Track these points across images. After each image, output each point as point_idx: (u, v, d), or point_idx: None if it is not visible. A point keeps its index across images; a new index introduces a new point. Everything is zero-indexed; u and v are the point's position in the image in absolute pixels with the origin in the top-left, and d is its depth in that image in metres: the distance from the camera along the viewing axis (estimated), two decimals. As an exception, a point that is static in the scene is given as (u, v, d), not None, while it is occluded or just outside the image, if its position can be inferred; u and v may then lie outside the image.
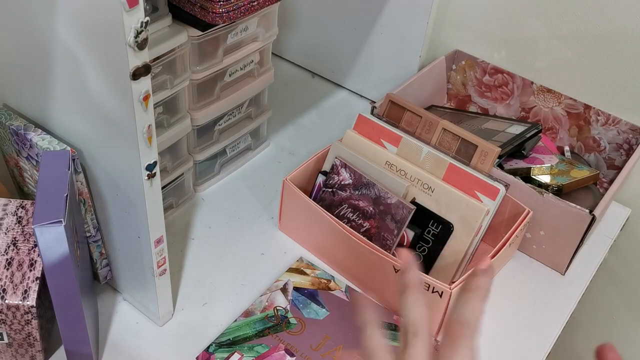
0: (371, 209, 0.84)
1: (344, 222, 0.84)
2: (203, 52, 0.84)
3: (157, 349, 0.76)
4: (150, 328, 0.79)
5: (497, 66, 1.10)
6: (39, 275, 0.67)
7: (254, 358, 0.75)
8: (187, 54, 0.81)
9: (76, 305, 0.65)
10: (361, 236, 0.80)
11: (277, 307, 0.81)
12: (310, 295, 0.83)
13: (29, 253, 0.68)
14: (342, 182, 0.87)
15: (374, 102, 0.96)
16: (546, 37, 1.04)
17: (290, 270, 0.87)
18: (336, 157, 0.88)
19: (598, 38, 0.99)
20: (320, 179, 0.90)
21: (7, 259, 0.67)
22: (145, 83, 0.56)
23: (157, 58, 0.77)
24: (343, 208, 0.87)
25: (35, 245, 0.68)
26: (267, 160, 1.06)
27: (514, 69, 1.09)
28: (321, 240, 0.87)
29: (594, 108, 1.01)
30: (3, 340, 0.68)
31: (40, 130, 0.71)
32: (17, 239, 0.69)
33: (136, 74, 0.54)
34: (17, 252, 0.68)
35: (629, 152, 0.99)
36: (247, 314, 0.80)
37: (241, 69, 0.93)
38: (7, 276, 0.66)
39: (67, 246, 0.59)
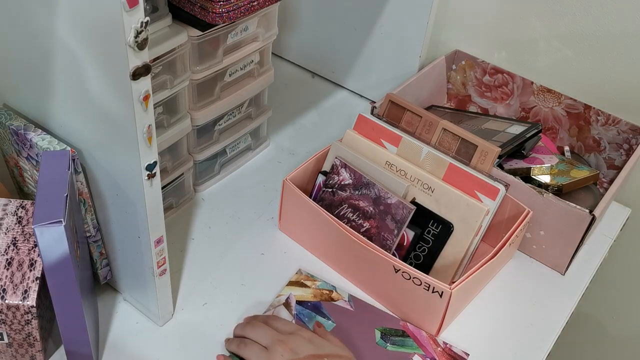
0: (371, 209, 0.84)
1: (344, 222, 0.84)
2: (203, 52, 0.84)
3: (157, 349, 0.76)
4: (150, 328, 0.79)
5: (497, 66, 1.10)
6: (39, 275, 0.67)
7: None
8: (187, 54, 0.81)
9: (76, 305, 0.65)
10: (361, 236, 0.80)
11: None
12: (314, 307, 0.82)
13: (29, 253, 0.68)
14: (342, 182, 0.87)
15: (374, 102, 0.96)
16: (546, 37, 1.04)
17: (291, 283, 0.85)
18: (336, 157, 0.88)
19: (598, 38, 0.99)
20: (320, 179, 0.90)
21: (7, 259, 0.67)
22: (145, 83, 0.56)
23: (157, 58, 0.77)
24: (343, 208, 0.87)
25: (35, 245, 0.68)
26: (267, 160, 1.06)
27: (514, 69, 1.09)
28: (321, 241, 0.87)
29: (594, 108, 1.01)
30: (3, 340, 0.68)
31: (40, 130, 0.71)
32: (17, 239, 0.69)
33: (136, 74, 0.54)
34: (17, 252, 0.68)
35: (629, 152, 0.99)
36: None
37: (241, 69, 0.93)
38: (7, 276, 0.66)
39: (67, 246, 0.59)
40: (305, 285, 0.85)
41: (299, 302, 0.82)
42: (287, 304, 0.82)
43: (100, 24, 0.53)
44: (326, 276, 0.87)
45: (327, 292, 0.84)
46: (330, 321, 0.80)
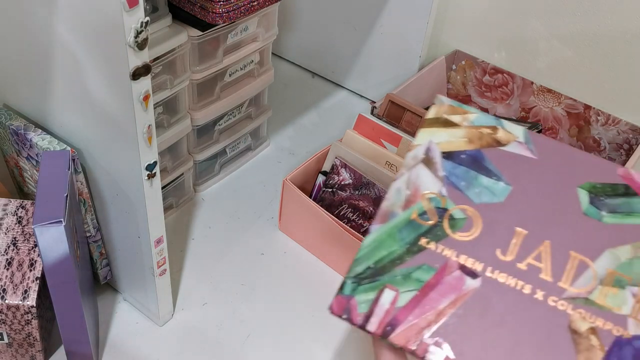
0: (371, 209, 0.84)
1: (344, 222, 0.84)
2: (203, 52, 0.84)
3: (157, 349, 0.76)
4: (150, 328, 0.79)
5: (497, 66, 1.10)
6: (39, 275, 0.67)
7: (417, 291, 0.44)
8: (187, 54, 0.81)
9: (76, 305, 0.65)
10: (361, 236, 0.80)
11: (428, 196, 0.48)
12: (473, 160, 0.49)
13: (29, 253, 0.68)
14: (342, 182, 0.87)
15: (374, 102, 0.96)
16: (546, 37, 1.04)
17: (429, 123, 0.51)
18: (336, 157, 0.88)
19: (598, 38, 0.99)
20: (320, 179, 0.90)
21: (7, 259, 0.67)
22: (145, 83, 0.56)
23: (157, 58, 0.77)
24: (343, 208, 0.87)
25: (35, 245, 0.68)
26: (267, 160, 1.06)
27: (514, 69, 1.09)
28: (321, 241, 0.87)
29: (594, 108, 1.01)
30: (3, 340, 0.68)
31: (40, 130, 0.71)
32: (17, 239, 0.69)
33: (136, 74, 0.54)
34: (17, 252, 0.68)
35: (629, 152, 0.99)
36: (383, 217, 0.47)
37: (241, 69, 0.93)
38: (7, 276, 0.66)
39: (67, 246, 0.59)
40: (453, 124, 0.51)
41: (446, 155, 0.49)
42: (427, 160, 0.49)
43: (100, 24, 0.53)
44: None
45: (489, 130, 0.50)
46: (501, 182, 0.48)
